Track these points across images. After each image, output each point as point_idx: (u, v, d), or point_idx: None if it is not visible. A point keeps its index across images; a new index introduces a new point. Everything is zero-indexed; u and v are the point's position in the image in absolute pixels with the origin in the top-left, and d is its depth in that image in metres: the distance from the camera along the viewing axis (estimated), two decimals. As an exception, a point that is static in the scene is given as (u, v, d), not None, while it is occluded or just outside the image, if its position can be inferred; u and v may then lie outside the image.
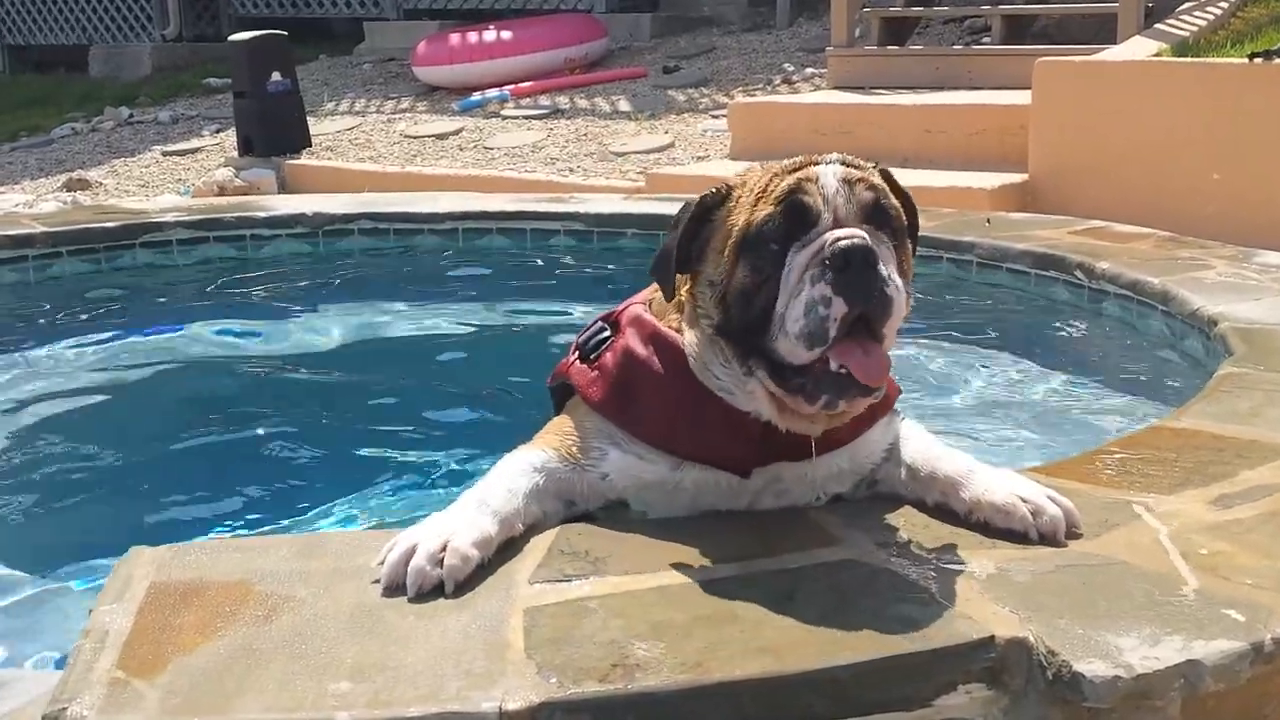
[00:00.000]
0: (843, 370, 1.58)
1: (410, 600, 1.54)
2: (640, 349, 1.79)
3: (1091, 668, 1.40)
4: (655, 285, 1.82)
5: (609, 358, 1.81)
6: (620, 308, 1.90)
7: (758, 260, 1.62)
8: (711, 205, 1.71)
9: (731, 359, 1.69)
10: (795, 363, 1.61)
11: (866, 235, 1.59)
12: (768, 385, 1.66)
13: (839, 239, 1.57)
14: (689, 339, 1.74)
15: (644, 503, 1.79)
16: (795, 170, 1.66)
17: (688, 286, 1.75)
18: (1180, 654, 1.42)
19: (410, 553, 1.58)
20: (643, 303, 1.87)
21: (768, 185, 1.66)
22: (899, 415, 1.87)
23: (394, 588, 1.57)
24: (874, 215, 1.63)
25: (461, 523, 1.62)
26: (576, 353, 1.89)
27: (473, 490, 1.70)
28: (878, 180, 1.67)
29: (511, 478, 1.72)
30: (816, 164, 1.66)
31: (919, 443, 1.84)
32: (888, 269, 1.59)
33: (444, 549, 1.58)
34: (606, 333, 1.86)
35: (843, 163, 1.67)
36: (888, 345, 1.62)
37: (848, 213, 1.62)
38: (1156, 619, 1.49)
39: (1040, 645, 1.44)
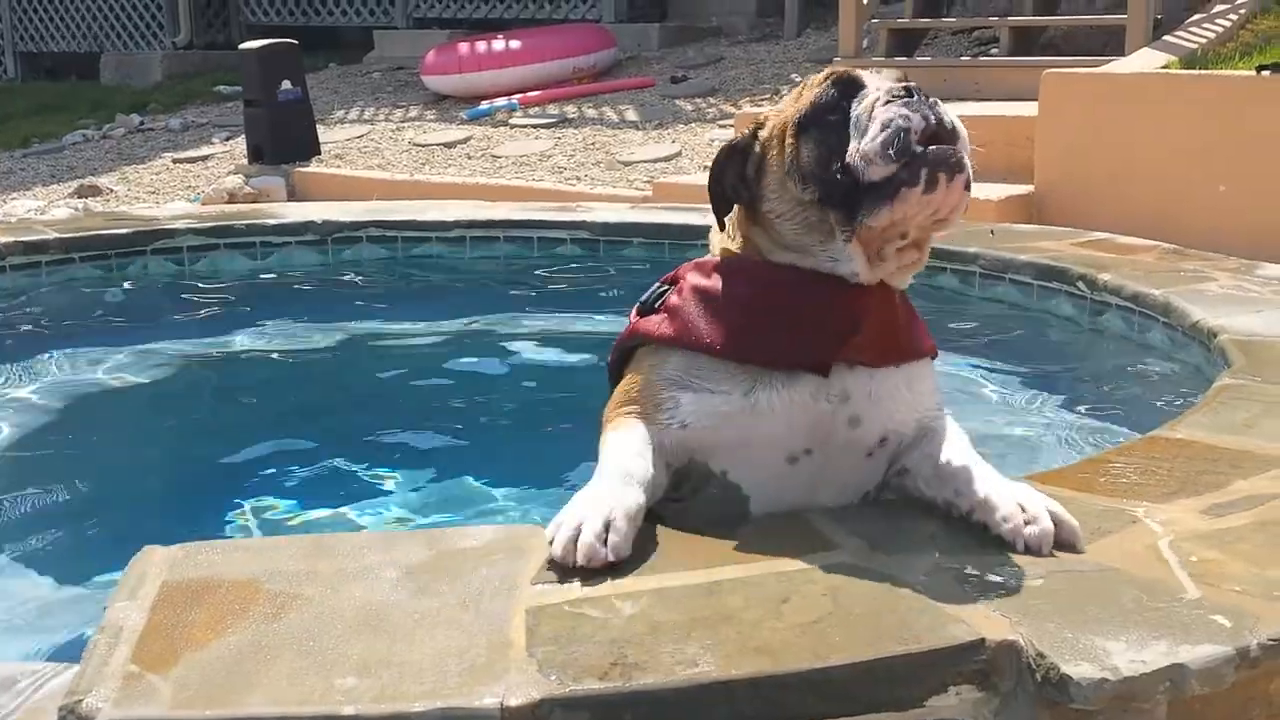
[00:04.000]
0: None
1: (578, 571, 1.60)
2: (705, 279, 1.84)
3: (1079, 670, 1.43)
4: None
5: (674, 298, 1.85)
6: (676, 271, 1.93)
7: (821, 132, 1.71)
8: (748, 139, 1.81)
9: (835, 226, 1.72)
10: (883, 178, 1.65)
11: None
12: (875, 220, 1.68)
13: (894, 82, 1.69)
14: (765, 246, 1.80)
15: (722, 447, 1.79)
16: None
17: (744, 220, 1.83)
18: (1166, 658, 1.45)
19: (578, 531, 1.63)
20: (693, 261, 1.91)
21: (802, 91, 1.77)
22: (941, 403, 1.89)
23: (567, 566, 1.62)
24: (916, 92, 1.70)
25: (617, 499, 1.66)
26: (636, 315, 1.90)
27: (608, 466, 1.72)
28: None
29: (638, 448, 1.74)
30: None
31: (955, 444, 1.85)
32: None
33: (608, 526, 1.63)
34: (666, 288, 1.88)
35: None
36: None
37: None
38: (1144, 623, 1.52)
39: (1030, 648, 1.47)
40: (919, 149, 1.63)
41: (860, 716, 1.44)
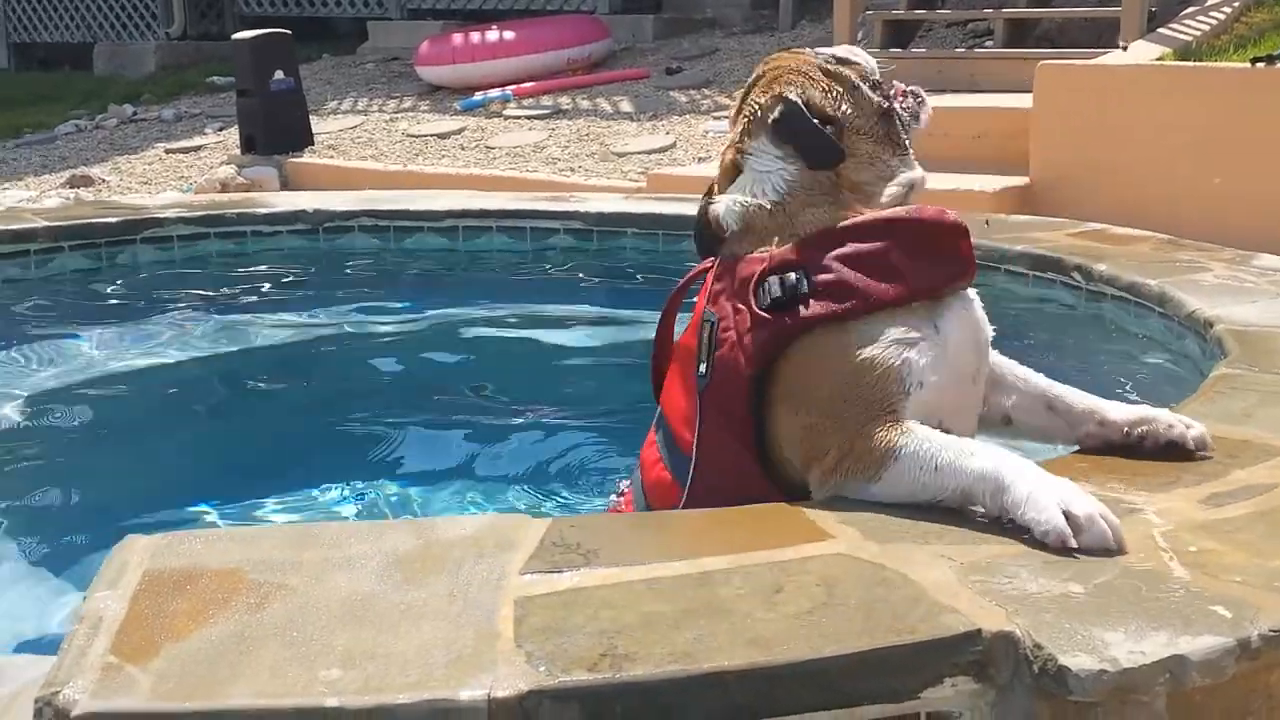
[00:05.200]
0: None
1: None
2: (842, 247, 1.90)
3: (1077, 661, 1.40)
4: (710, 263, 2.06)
5: (826, 276, 1.87)
6: (748, 270, 1.94)
7: (881, 98, 2.05)
8: (831, 110, 2.01)
9: (897, 142, 2.03)
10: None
11: None
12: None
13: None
14: (865, 196, 1.97)
15: (944, 391, 1.87)
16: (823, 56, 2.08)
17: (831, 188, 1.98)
18: (1166, 649, 1.42)
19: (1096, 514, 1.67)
20: (760, 258, 1.94)
21: (840, 68, 2.05)
22: None
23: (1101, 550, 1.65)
24: None
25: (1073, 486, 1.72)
26: (760, 312, 1.89)
27: (1010, 465, 1.74)
28: None
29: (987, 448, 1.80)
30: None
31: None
32: None
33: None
34: (794, 275, 1.89)
35: None
36: None
37: None
38: (1143, 614, 1.50)
39: (1027, 639, 1.45)
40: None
41: (854, 708, 1.42)
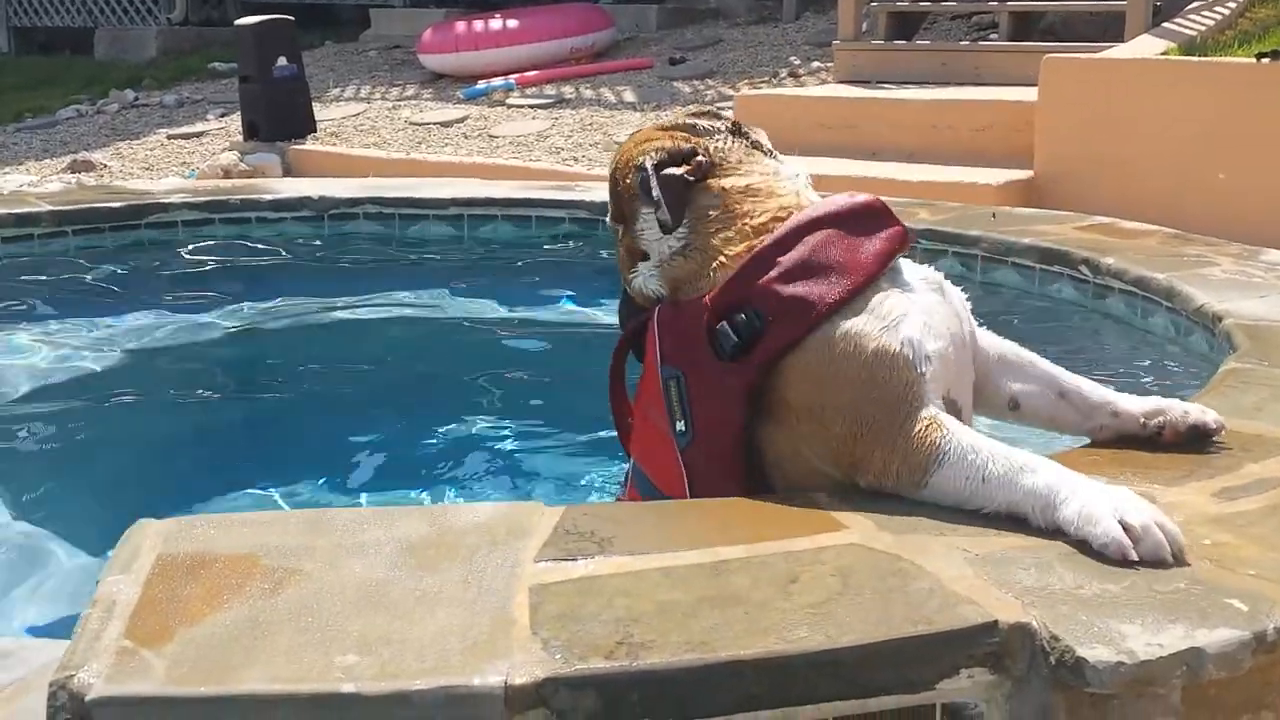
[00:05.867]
0: None
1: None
2: (780, 262, 1.84)
3: (1094, 653, 1.40)
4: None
5: (778, 301, 1.81)
6: (692, 321, 1.88)
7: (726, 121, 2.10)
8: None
9: (775, 154, 2.04)
10: None
11: None
12: None
13: None
14: (773, 184, 1.95)
15: (944, 360, 1.81)
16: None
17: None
18: (1183, 641, 1.42)
19: (1151, 523, 1.61)
20: (697, 303, 1.88)
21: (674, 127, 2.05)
22: None
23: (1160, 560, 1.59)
24: None
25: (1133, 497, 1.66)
26: (722, 364, 1.83)
27: (1061, 479, 1.68)
28: None
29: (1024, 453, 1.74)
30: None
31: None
32: None
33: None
34: (742, 315, 1.82)
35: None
36: None
37: None
38: (1159, 607, 1.50)
39: (1043, 630, 1.44)
40: None
41: (870, 699, 1.42)
